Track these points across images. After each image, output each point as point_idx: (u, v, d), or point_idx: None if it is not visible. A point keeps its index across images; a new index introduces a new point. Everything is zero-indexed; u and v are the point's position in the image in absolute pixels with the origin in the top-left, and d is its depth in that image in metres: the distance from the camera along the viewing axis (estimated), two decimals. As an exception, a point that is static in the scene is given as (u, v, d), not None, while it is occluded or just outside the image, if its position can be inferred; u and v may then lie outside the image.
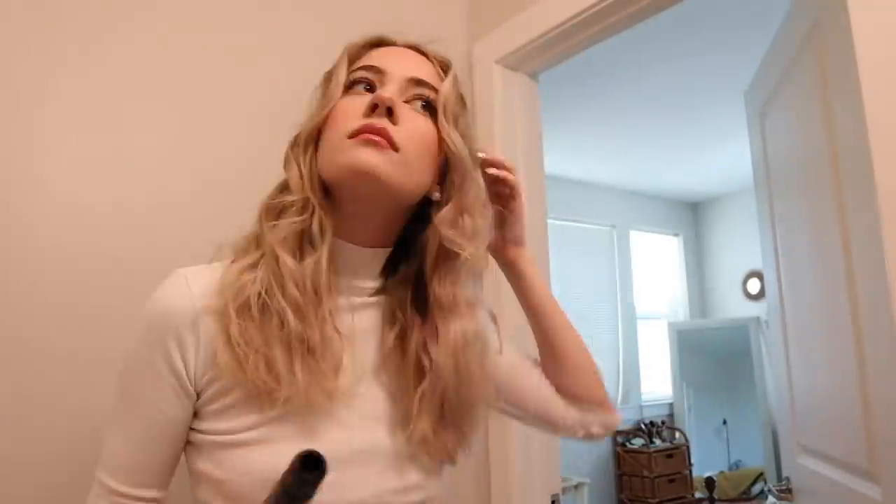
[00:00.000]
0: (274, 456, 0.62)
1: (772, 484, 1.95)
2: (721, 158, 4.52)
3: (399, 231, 0.77)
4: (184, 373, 0.67)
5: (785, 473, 1.62)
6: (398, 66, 0.73)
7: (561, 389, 0.87)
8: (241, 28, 1.31)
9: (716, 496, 4.37)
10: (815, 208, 1.29)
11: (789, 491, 1.57)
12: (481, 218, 0.76)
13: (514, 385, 0.86)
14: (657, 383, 5.23)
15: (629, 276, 5.17)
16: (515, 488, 1.41)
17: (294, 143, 0.74)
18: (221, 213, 1.22)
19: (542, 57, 1.55)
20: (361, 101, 0.70)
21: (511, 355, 0.87)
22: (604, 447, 4.70)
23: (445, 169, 0.74)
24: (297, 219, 0.69)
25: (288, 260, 0.67)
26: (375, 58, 0.75)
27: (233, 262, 0.71)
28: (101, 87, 1.15)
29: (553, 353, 0.87)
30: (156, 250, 1.15)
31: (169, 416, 0.68)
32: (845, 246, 1.13)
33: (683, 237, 5.66)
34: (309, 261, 0.68)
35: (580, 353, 0.88)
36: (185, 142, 1.23)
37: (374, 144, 0.67)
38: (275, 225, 0.69)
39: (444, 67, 0.78)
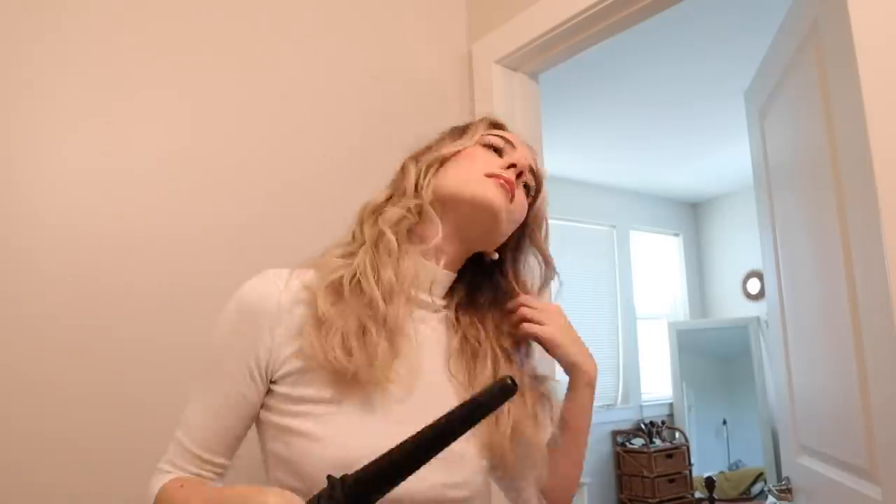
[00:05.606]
0: (338, 442, 0.70)
1: (772, 484, 1.95)
2: (721, 158, 4.52)
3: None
4: (265, 360, 0.74)
5: (785, 473, 1.62)
6: (524, 152, 0.89)
7: (544, 485, 0.90)
8: (243, 30, 1.31)
9: (716, 496, 4.36)
10: (815, 208, 1.29)
11: (789, 491, 1.56)
12: None
13: (526, 466, 0.86)
14: (657, 383, 5.22)
15: (629, 276, 5.17)
16: (515, 488, 1.41)
17: (417, 158, 0.87)
18: (228, 233, 1.21)
19: (542, 57, 1.55)
20: (495, 157, 0.86)
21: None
22: (604, 447, 4.70)
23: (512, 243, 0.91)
24: (407, 213, 0.80)
25: (393, 241, 0.78)
26: (508, 136, 0.90)
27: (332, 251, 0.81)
28: (102, 94, 1.12)
29: (563, 461, 0.92)
30: (159, 276, 1.12)
31: (244, 395, 0.75)
32: (845, 246, 1.13)
33: (683, 237, 5.66)
34: (408, 259, 0.79)
35: (579, 469, 0.95)
36: (190, 156, 1.20)
37: (505, 190, 0.82)
38: (381, 216, 0.80)
39: (537, 173, 0.92)
